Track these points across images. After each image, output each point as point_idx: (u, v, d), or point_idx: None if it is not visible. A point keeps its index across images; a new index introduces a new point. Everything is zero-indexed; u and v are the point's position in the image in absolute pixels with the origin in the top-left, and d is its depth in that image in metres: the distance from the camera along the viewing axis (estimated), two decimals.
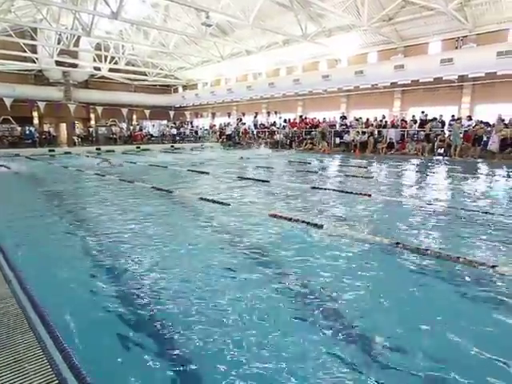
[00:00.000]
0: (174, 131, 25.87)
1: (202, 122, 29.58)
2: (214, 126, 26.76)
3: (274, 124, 23.12)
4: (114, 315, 2.46)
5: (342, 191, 6.94)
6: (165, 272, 3.17)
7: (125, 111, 24.59)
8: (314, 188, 7.27)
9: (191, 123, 30.09)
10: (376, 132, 17.33)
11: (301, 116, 22.65)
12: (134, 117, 29.56)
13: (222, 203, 5.82)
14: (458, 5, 15.66)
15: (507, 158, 13.81)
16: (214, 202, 5.97)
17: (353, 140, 17.35)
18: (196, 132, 27.46)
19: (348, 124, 19.12)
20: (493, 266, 3.30)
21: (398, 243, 3.90)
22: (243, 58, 24.23)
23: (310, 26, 19.75)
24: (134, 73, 27.63)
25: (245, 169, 11.55)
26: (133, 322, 2.38)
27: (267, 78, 25.85)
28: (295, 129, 21.25)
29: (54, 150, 18.25)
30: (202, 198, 6.16)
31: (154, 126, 26.72)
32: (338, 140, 18.40)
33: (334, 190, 7.13)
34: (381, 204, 6.02)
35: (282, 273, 3.18)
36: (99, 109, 24.49)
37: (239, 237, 4.21)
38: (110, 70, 26.05)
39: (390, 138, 16.55)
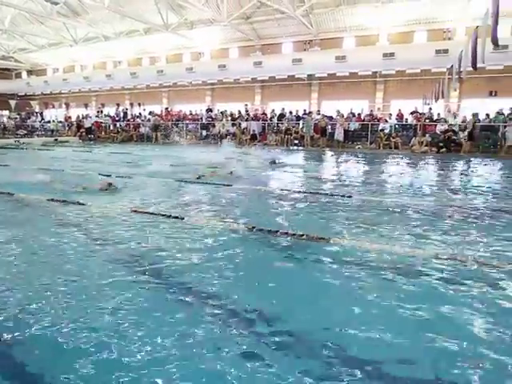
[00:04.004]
0: None
1: (55, 114, 26.16)
2: (70, 118, 24.01)
3: (138, 116, 22.06)
4: None
5: (206, 182, 7.14)
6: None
7: None
8: (178, 181, 7.28)
9: (41, 114, 26.32)
10: (241, 124, 18.27)
11: (166, 108, 22.21)
12: None
13: (77, 203, 5.34)
14: (305, 11, 17.55)
15: (349, 146, 16.35)
16: (66, 202, 5.43)
17: (219, 132, 17.92)
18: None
19: (213, 117, 19.61)
20: (327, 239, 3.91)
21: (253, 227, 4.25)
22: (100, 43, 22.32)
23: (172, 16, 19.42)
24: None
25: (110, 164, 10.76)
26: None
27: (129, 67, 24.45)
28: (161, 121, 20.72)
29: None
30: (51, 200, 5.52)
31: None
32: (204, 132, 18.75)
33: (196, 182, 7.27)
34: (241, 192, 6.41)
35: (142, 266, 3.13)
36: None
37: (99, 235, 3.96)
38: None
39: (253, 130, 17.67)
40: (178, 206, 5.39)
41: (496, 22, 4.84)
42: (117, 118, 22.54)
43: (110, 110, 23.62)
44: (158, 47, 22.94)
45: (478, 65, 7.22)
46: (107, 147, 16.59)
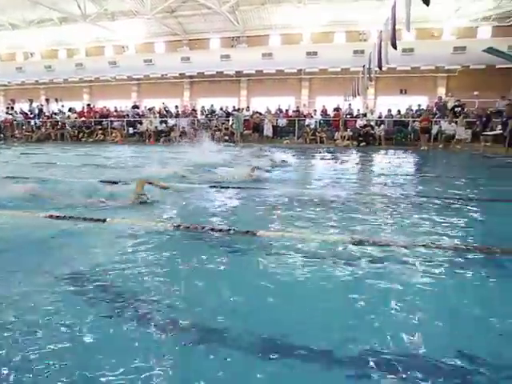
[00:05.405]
0: None
1: None
2: None
3: (56, 113, 20.41)
4: None
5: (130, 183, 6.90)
6: None
7: None
8: (102, 182, 6.93)
9: None
10: (170, 121, 17.90)
11: (88, 105, 20.84)
12: None
13: None
14: (231, 8, 17.61)
15: (278, 141, 16.89)
16: None
17: (147, 129, 17.33)
18: None
19: (140, 113, 18.92)
20: (254, 232, 4.05)
21: (179, 225, 4.23)
22: (7, 32, 20.22)
23: (90, 5, 18.24)
24: None
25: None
26: None
27: (43, 59, 22.46)
28: (83, 118, 19.43)
29: None
30: None
31: None
32: (131, 130, 18.01)
33: (121, 181, 6.99)
34: (170, 190, 6.32)
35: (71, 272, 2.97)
36: None
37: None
38: None
39: (183, 127, 17.40)
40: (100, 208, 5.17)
41: (394, 28, 5.42)
42: (31, 115, 20.61)
43: (23, 106, 21.51)
44: (76, 39, 21.39)
45: (386, 65, 7.94)
46: (20, 147, 15.12)
